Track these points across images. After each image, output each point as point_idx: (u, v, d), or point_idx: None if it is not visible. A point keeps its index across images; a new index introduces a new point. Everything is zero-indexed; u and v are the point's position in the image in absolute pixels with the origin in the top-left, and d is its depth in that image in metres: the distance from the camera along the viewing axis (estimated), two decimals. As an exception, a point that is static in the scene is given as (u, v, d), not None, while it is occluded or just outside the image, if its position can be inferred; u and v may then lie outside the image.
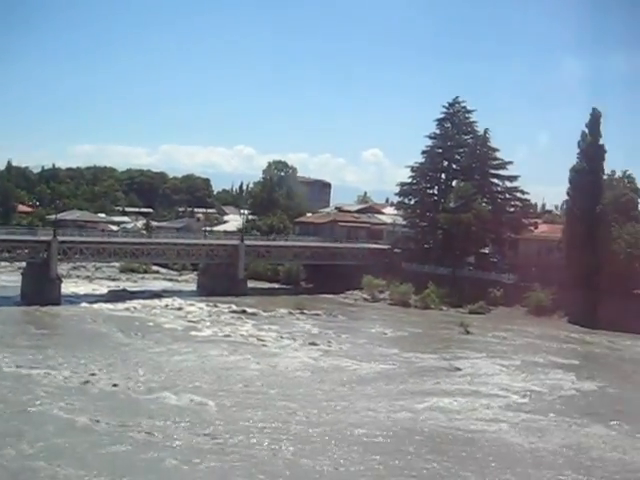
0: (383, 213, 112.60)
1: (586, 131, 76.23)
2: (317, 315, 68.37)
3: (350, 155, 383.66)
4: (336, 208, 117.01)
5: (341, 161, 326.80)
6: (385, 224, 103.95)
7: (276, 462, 28.62)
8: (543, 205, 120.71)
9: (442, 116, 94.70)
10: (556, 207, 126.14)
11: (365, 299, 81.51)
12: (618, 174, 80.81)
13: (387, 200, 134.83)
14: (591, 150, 75.52)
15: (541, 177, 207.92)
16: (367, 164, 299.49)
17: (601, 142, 76.10)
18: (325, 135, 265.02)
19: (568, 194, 77.88)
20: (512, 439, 33.23)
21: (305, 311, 69.17)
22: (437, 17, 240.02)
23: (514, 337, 63.44)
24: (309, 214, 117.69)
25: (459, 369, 47.84)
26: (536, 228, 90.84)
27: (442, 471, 28.76)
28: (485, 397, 40.45)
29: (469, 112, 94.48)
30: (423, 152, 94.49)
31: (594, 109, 76.51)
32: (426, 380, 44.05)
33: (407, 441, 32.02)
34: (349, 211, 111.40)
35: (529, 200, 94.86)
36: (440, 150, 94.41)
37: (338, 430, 32.62)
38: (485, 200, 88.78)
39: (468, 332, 63.33)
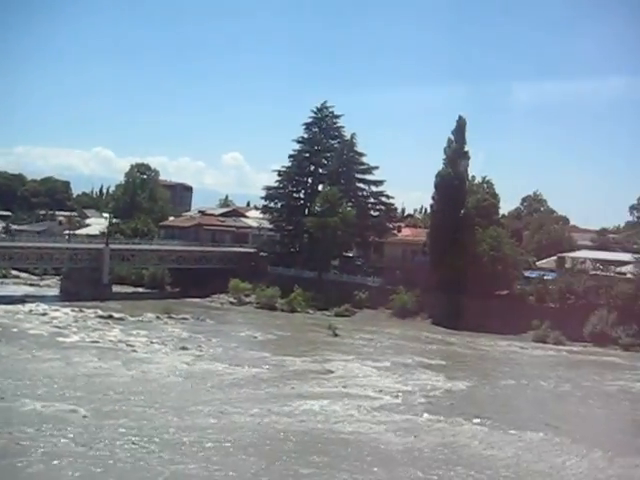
0: (247, 217, 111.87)
1: (452, 137, 78.35)
2: (185, 319, 66.79)
3: (210, 158, 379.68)
4: (200, 212, 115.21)
5: (201, 164, 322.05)
6: (250, 228, 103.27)
7: (147, 468, 27.25)
8: (403, 209, 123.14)
9: (310, 120, 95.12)
10: (415, 211, 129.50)
11: (232, 303, 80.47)
12: (478, 179, 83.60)
13: (248, 204, 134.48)
14: (456, 156, 77.65)
15: (401, 182, 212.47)
16: (227, 168, 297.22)
17: (466, 149, 78.48)
18: (184, 138, 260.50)
19: (433, 198, 79.70)
20: (388, 439, 33.07)
21: (173, 315, 67.50)
22: (301, 18, 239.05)
23: (381, 339, 64.19)
24: (172, 218, 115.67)
25: (331, 371, 47.66)
26: (399, 232, 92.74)
27: (318, 472, 28.15)
28: (359, 399, 40.28)
29: (337, 117, 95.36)
30: (290, 156, 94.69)
31: (460, 117, 78.98)
32: (300, 383, 43.46)
33: (283, 444, 31.32)
34: (213, 215, 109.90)
35: (394, 204, 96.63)
36: (307, 154, 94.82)
37: (212, 435, 31.47)
38: (351, 204, 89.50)
39: (336, 335, 63.50)
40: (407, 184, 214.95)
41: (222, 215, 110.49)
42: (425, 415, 37.63)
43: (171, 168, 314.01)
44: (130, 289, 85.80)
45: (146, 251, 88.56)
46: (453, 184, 77.43)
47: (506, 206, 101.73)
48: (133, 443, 29.54)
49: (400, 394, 42.28)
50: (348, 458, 29.98)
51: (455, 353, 60.31)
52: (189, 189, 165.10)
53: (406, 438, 33.37)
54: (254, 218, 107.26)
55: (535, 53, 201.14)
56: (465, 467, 29.67)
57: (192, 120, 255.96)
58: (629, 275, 71.92)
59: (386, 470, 28.94)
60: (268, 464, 28.60)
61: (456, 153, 77.96)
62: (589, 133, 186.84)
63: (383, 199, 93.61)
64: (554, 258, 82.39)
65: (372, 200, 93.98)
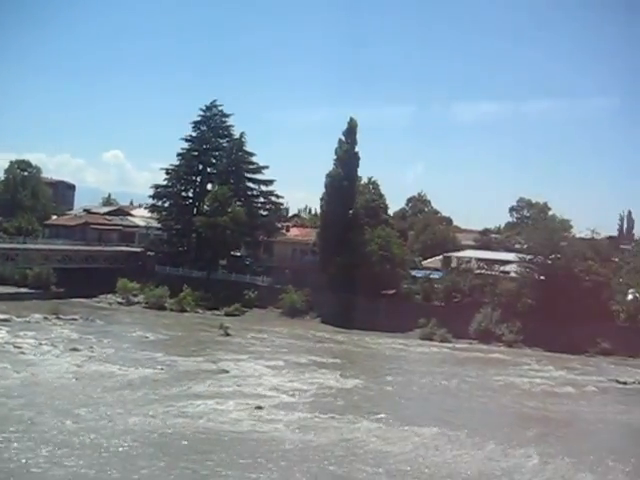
0: (133, 215, 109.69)
1: (343, 139, 79.25)
2: (74, 320, 64.55)
3: (90, 156, 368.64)
4: (85, 210, 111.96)
5: (81, 162, 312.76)
6: (138, 227, 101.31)
7: (38, 472, 26.35)
8: (287, 209, 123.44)
9: (198, 119, 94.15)
10: (299, 211, 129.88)
11: (120, 303, 78.72)
12: (364, 180, 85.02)
13: (132, 202, 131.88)
14: (347, 157, 78.59)
15: (284, 183, 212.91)
16: (108, 165, 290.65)
17: (356, 149, 79.51)
18: (63, 135, 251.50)
19: (323, 199, 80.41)
20: (286, 437, 33.07)
21: (61, 316, 65.11)
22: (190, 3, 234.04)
23: (273, 338, 64.43)
24: (54, 216, 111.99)
25: (226, 371, 47.34)
26: (288, 231, 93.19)
27: (215, 472, 27.88)
28: (255, 397, 40.16)
29: (226, 116, 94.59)
30: (178, 155, 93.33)
31: (351, 118, 79.97)
32: (195, 383, 42.92)
33: (180, 444, 30.83)
34: (99, 213, 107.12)
35: (283, 204, 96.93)
36: (196, 153, 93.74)
37: (107, 437, 30.63)
38: (240, 203, 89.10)
39: (228, 334, 63.25)
40: (291, 184, 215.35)
41: (108, 214, 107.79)
42: (321, 413, 37.80)
43: (51, 165, 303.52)
44: (13, 289, 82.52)
45: (31, 250, 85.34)
46: (343, 184, 78.36)
47: (392, 207, 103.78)
48: (23, 448, 28.42)
49: (296, 392, 42.45)
50: (245, 456, 29.79)
51: (346, 351, 61.01)
52: (72, 187, 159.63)
53: (304, 435, 33.50)
54: (141, 217, 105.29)
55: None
56: (364, 462, 30.08)
57: (70, 115, 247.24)
58: (512, 274, 74.71)
59: (283, 467, 28.96)
60: (165, 464, 28.12)
61: (347, 154, 78.87)
62: (477, 140, 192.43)
63: (273, 198, 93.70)
64: (440, 257, 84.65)
65: (262, 199, 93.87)
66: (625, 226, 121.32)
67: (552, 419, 41.30)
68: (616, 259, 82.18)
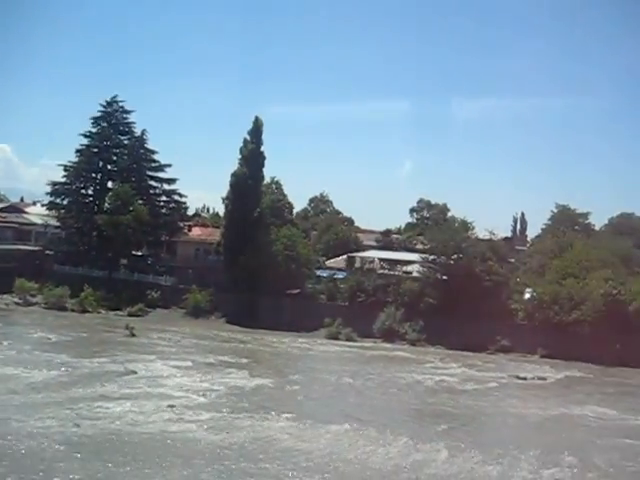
0: (27, 212, 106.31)
1: (248, 138, 79.06)
2: (-30, 322, 62.40)
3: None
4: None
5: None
6: (35, 225, 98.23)
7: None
8: (185, 208, 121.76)
9: (98, 114, 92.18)
10: (197, 210, 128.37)
11: (17, 303, 76.02)
12: (267, 180, 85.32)
13: (22, 199, 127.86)
14: (252, 156, 78.47)
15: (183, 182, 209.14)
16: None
17: (262, 149, 79.45)
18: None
19: (228, 198, 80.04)
20: (198, 437, 32.75)
21: (-45, 318, 62.89)
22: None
23: (178, 338, 63.92)
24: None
25: (134, 372, 46.49)
26: (190, 231, 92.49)
27: (121, 473, 27.31)
28: (166, 398, 39.65)
29: (127, 112, 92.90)
30: (77, 151, 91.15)
31: (257, 117, 79.76)
32: (103, 384, 42.01)
33: (88, 447, 30.04)
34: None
35: (186, 203, 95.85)
36: (96, 150, 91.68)
37: (13, 442, 29.57)
38: (142, 202, 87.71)
39: (134, 335, 62.28)
40: (187, 184, 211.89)
41: (1, 210, 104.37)
42: (233, 412, 37.71)
43: None
44: None
45: None
46: (248, 184, 78.23)
47: (296, 207, 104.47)
48: None
49: (206, 392, 42.16)
50: (155, 457, 29.40)
51: (253, 351, 60.98)
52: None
53: (216, 435, 33.31)
54: (37, 215, 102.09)
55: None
56: (279, 460, 30.06)
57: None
58: (415, 274, 76.21)
59: (195, 465, 28.70)
60: (75, 467, 27.39)
61: (252, 153, 78.73)
62: (379, 139, 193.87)
63: (175, 197, 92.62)
64: (344, 258, 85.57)
65: (164, 198, 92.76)
66: (519, 227, 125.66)
67: (457, 414, 42.40)
68: (512, 259, 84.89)
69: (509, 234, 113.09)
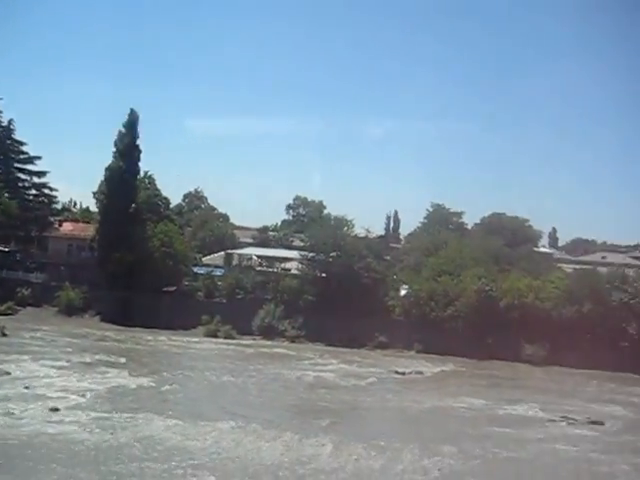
0: None
1: (123, 131, 77.12)
2: None
3: None
4: None
5: None
6: None
7: None
8: (57, 202, 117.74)
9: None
10: (63, 205, 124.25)
11: None
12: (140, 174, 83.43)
13: None
14: (128, 150, 76.64)
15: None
16: None
17: (137, 142, 77.68)
18: None
19: (103, 193, 77.93)
20: (80, 438, 31.92)
21: None
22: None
23: (52, 337, 62.19)
24: None
25: (8, 373, 44.75)
26: (61, 226, 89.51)
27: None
28: (45, 399, 38.45)
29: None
30: None
31: (132, 110, 77.64)
32: (-26, 386, 40.48)
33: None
34: None
35: (57, 197, 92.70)
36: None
37: None
38: (10, 195, 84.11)
39: (5, 334, 59.89)
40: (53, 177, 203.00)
41: None
42: (117, 412, 37.03)
43: None
44: None
45: None
46: (124, 178, 76.40)
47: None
48: None
49: (87, 392, 41.21)
50: (31, 460, 28.39)
51: (130, 350, 59.90)
52: None
53: (100, 436, 32.58)
54: None
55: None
56: (165, 459, 29.78)
57: None
58: (294, 271, 76.68)
59: (76, 469, 27.87)
60: None
61: (128, 147, 76.88)
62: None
63: (46, 191, 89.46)
64: (221, 254, 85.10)
65: (34, 192, 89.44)
66: (392, 225, 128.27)
67: (340, 409, 43.28)
68: (388, 257, 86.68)
69: (383, 232, 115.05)
